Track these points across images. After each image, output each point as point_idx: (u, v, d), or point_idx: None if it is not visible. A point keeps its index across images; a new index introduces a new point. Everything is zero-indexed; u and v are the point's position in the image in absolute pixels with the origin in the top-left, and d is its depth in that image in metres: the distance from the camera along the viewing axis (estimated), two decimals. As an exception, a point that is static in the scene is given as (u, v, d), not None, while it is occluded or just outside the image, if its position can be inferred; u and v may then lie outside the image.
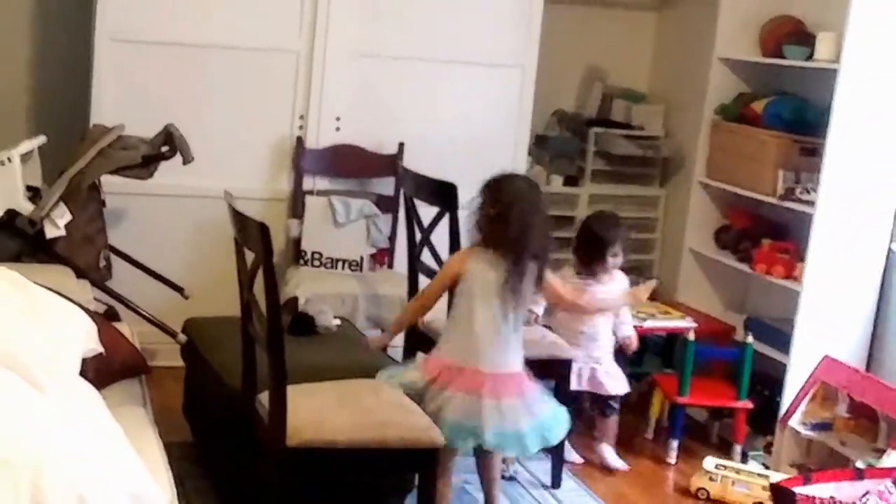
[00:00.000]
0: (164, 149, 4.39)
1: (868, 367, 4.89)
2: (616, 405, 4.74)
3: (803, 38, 5.16)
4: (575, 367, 4.55)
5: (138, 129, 4.42)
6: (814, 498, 3.83)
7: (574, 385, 4.57)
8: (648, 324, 5.13)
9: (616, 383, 4.69)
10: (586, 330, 4.64)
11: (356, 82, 5.36)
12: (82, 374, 2.97)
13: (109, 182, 4.49)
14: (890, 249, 4.86)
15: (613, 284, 4.70)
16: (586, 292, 4.57)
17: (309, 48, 5.26)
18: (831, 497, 3.84)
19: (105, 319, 3.80)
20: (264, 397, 3.43)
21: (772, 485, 4.08)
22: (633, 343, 4.81)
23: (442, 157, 5.25)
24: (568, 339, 4.58)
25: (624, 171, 6.34)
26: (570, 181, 6.24)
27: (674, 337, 5.38)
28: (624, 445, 4.93)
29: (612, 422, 4.74)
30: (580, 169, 6.27)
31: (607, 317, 4.68)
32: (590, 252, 4.71)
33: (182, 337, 4.23)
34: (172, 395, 4.40)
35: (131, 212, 5.01)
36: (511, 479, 4.48)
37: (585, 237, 4.77)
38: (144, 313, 4.40)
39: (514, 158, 5.71)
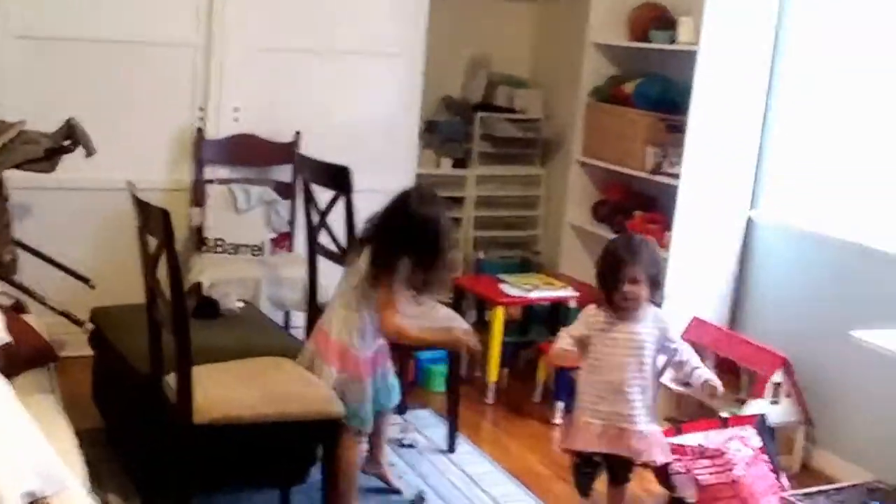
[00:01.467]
0: (67, 142, 4.30)
1: (731, 325, 5.03)
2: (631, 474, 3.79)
3: (667, 23, 5.25)
4: (595, 425, 3.63)
5: (40, 124, 4.35)
6: (684, 446, 3.93)
7: (588, 446, 3.66)
8: (533, 294, 5.20)
9: (654, 448, 3.64)
10: (613, 378, 3.61)
11: (253, 74, 5.32)
12: (-10, 364, 2.93)
13: (13, 177, 4.40)
14: (749, 217, 5.00)
15: (642, 325, 3.61)
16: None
17: (207, 42, 5.21)
18: (700, 445, 3.95)
19: (12, 311, 3.75)
20: (171, 378, 3.41)
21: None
22: (718, 389, 3.64)
23: (337, 144, 5.25)
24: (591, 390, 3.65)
25: (508, 152, 6.39)
26: (459, 163, 6.28)
27: (557, 306, 5.44)
28: (514, 409, 5.02)
29: (624, 492, 3.81)
30: (467, 151, 6.30)
31: (642, 364, 3.59)
32: (604, 280, 3.64)
33: (89, 325, 4.17)
34: (81, 383, 4.35)
35: (36, 206, 4.92)
36: (409, 446, 4.53)
37: (602, 261, 3.68)
38: (51, 304, 4.33)
39: (406, 143, 5.74)
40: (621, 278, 3.52)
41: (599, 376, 3.58)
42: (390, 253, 3.62)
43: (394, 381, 3.94)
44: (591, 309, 3.67)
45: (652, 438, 3.63)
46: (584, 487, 3.75)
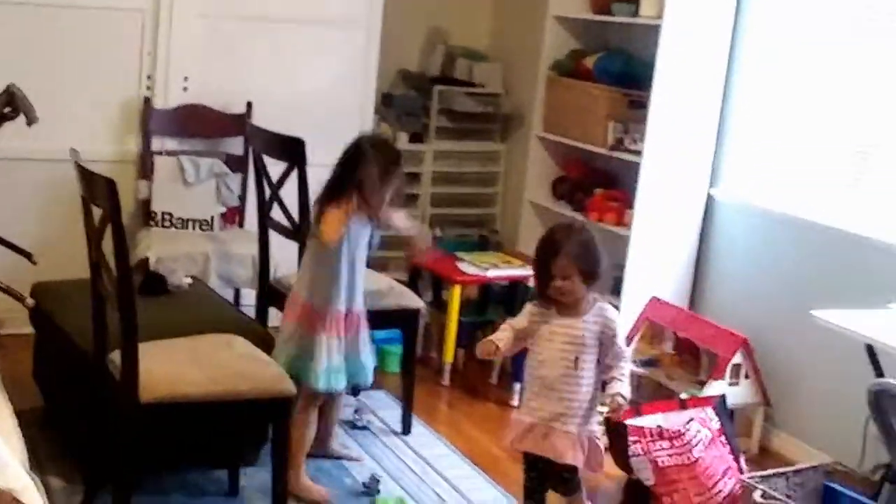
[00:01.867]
0: (7, 109, 4.21)
1: (691, 306, 5.08)
2: (574, 480, 3.55)
3: (629, -5, 5.28)
4: (525, 422, 3.48)
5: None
6: (642, 428, 3.97)
7: (514, 443, 3.54)
8: (491, 273, 5.21)
9: (570, 452, 3.44)
10: (545, 374, 3.45)
11: (203, 42, 5.29)
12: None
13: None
14: (709, 195, 5.05)
15: (582, 320, 3.41)
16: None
17: (155, 7, 5.17)
18: (658, 426, 3.98)
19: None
20: (116, 356, 3.39)
21: (606, 419, 4.19)
22: (621, 409, 3.40)
23: (290, 116, 5.20)
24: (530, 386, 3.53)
25: (466, 127, 6.39)
26: (416, 138, 6.27)
27: (515, 285, 5.44)
28: (470, 391, 5.05)
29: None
30: (425, 126, 6.30)
31: (578, 360, 3.41)
32: (536, 272, 3.51)
33: (30, 300, 4.13)
34: (22, 363, 4.32)
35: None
36: (363, 428, 4.54)
37: (535, 252, 3.55)
38: (-11, 279, 4.29)
39: (361, 116, 5.72)
40: (551, 272, 3.39)
41: (536, 371, 3.46)
42: (336, 188, 3.75)
43: (366, 360, 3.97)
44: (534, 301, 3.53)
45: (579, 440, 3.42)
46: (528, 494, 3.58)
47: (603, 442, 3.59)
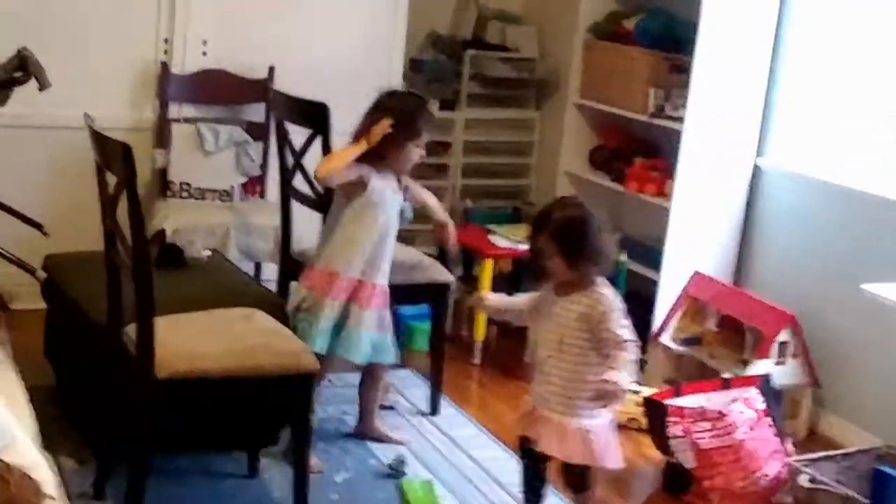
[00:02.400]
0: (18, 74, 4.25)
1: (735, 281, 5.04)
2: (581, 476, 3.47)
3: (672, -47, 5.25)
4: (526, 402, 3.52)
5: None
6: (683, 408, 3.96)
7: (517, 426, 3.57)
8: (524, 246, 5.14)
9: (552, 442, 3.38)
10: (538, 354, 3.45)
11: (223, 4, 5.29)
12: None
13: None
14: (755, 164, 5.00)
15: (572, 302, 3.34)
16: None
17: (173, -35, 5.19)
18: (700, 407, 3.97)
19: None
20: (131, 329, 3.39)
21: (645, 398, 4.22)
22: (614, 393, 3.24)
23: (314, 81, 5.15)
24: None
25: (499, 93, 6.35)
26: (446, 105, 6.22)
27: (551, 260, 5.46)
28: (502, 370, 5.05)
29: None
30: (456, 93, 6.26)
31: (562, 344, 3.35)
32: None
33: (41, 273, 4.16)
34: (33, 339, 4.33)
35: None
36: (390, 408, 4.54)
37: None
38: (1, 250, 4.31)
39: (389, 82, 5.67)
40: (532, 249, 3.41)
41: (534, 351, 3.47)
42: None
43: (383, 338, 3.97)
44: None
45: (567, 432, 3.33)
46: (525, 486, 3.52)
47: (605, 439, 3.37)
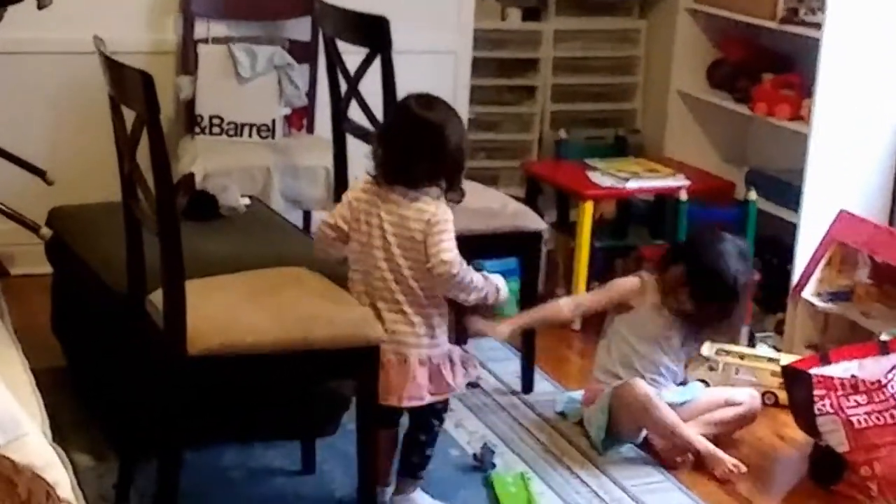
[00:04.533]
0: (13, -11, 4.31)
1: (892, 221, 4.98)
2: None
3: None
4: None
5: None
6: (832, 378, 3.92)
7: None
8: (631, 185, 5.20)
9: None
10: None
11: None
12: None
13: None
14: (912, 79, 4.91)
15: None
16: None
17: None
18: (853, 376, 3.94)
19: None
20: (156, 297, 3.40)
21: (783, 367, 4.22)
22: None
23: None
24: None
25: (595, -1, 6.36)
26: (531, 14, 6.25)
27: (663, 200, 5.45)
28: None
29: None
30: (542, -1, 6.25)
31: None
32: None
33: (46, 231, 4.19)
34: (37, 310, 4.39)
35: (-25, 74, 4.97)
36: (474, 385, 4.50)
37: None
38: (-2, 204, 4.36)
39: (457, -12, 5.69)
40: None
41: None
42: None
43: None
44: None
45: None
46: None
47: None
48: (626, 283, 4.28)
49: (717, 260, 4.08)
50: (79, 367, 4.25)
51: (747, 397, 4.26)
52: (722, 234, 4.24)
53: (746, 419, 4.25)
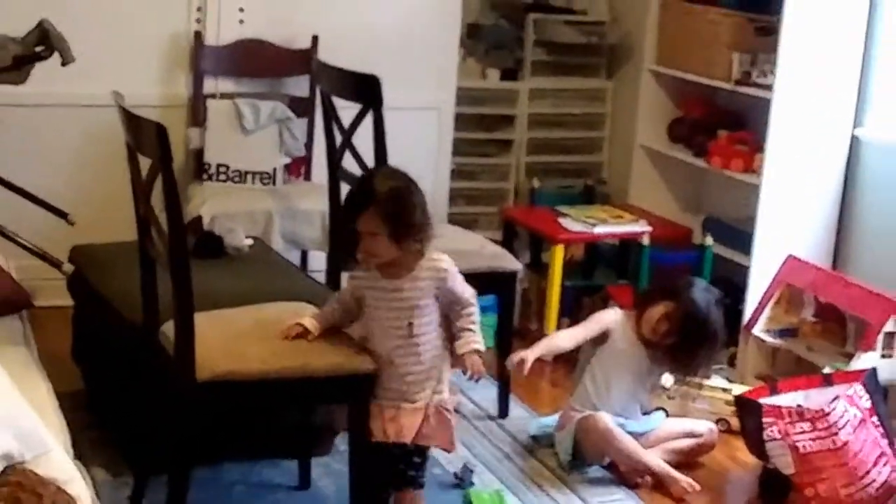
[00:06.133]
0: (39, 48, 4.28)
1: (834, 265, 4.99)
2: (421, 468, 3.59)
3: None
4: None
5: (6, 26, 4.34)
6: (780, 408, 3.92)
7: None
8: (599, 230, 5.19)
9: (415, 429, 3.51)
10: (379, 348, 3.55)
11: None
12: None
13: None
14: (854, 136, 4.93)
15: (412, 283, 3.44)
16: None
17: (203, -74, 5.22)
18: (798, 406, 3.94)
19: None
20: (168, 328, 3.39)
21: (736, 397, 4.21)
22: (476, 371, 3.47)
23: (362, 52, 5.20)
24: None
25: (567, 61, 6.35)
26: (509, 74, 6.25)
27: (627, 244, 5.44)
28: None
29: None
30: (518, 61, 6.27)
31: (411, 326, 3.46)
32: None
33: (68, 266, 4.17)
34: (59, 339, 4.35)
35: (2, 124, 4.95)
36: (455, 410, 4.50)
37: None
38: (23, 241, 4.33)
39: (445, 50, 5.72)
40: (355, 228, 3.36)
41: (370, 346, 3.48)
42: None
43: None
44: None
45: (425, 413, 3.45)
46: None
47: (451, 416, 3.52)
48: (607, 315, 4.32)
49: (698, 302, 4.13)
50: (97, 391, 4.24)
51: (706, 430, 4.28)
52: (700, 281, 4.31)
53: (704, 448, 4.27)
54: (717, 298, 4.25)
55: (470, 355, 3.42)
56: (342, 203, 3.70)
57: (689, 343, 4.15)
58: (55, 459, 2.55)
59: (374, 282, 3.43)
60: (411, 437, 3.44)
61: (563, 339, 4.38)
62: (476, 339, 3.43)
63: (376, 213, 3.30)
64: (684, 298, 4.14)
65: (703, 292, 4.19)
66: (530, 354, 4.09)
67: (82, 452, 3.24)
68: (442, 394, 3.48)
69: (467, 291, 3.45)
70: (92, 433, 3.94)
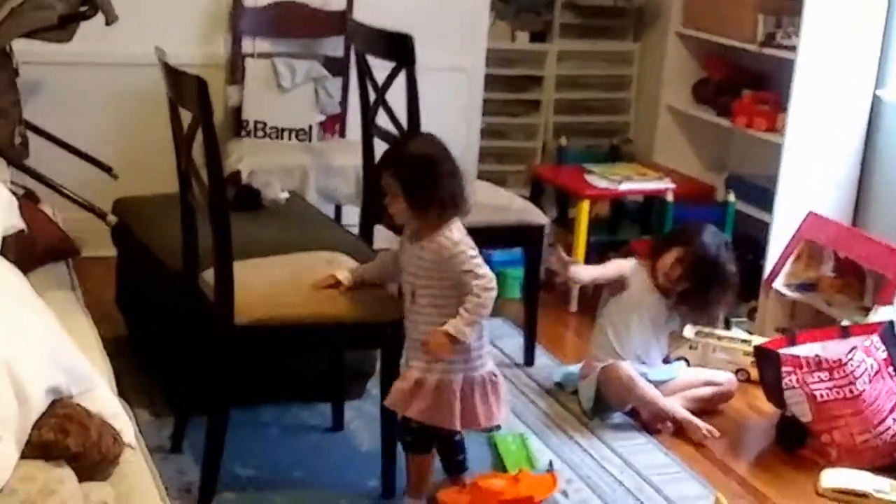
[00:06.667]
0: (84, 7, 4.29)
1: (854, 221, 4.98)
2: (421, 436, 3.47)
3: None
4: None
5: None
6: (798, 357, 3.93)
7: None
8: (624, 186, 5.19)
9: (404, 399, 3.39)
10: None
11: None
12: (2, 254, 2.96)
13: (23, 49, 4.43)
14: (875, 96, 4.91)
15: (420, 251, 3.35)
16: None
17: None
18: (816, 356, 3.93)
19: (25, 199, 3.78)
20: (208, 275, 3.42)
21: (756, 347, 4.21)
22: (437, 348, 3.28)
23: (395, 13, 5.14)
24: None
25: (595, 24, 6.34)
26: (537, 37, 6.23)
27: (651, 201, 5.45)
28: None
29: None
30: (547, 23, 6.24)
31: (420, 297, 3.37)
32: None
33: (112, 217, 4.21)
34: (103, 287, 4.40)
35: (49, 82, 4.99)
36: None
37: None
38: (69, 193, 4.36)
39: (475, 12, 5.71)
40: (381, 188, 3.33)
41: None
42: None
43: None
44: None
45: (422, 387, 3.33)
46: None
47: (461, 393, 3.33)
48: (625, 263, 4.33)
49: (708, 246, 4.14)
50: (140, 335, 4.28)
51: (725, 379, 4.31)
52: (711, 226, 4.29)
53: (724, 396, 4.28)
54: (727, 242, 4.26)
55: (436, 333, 3.24)
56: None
57: (702, 286, 4.16)
58: (100, 396, 2.57)
59: (404, 243, 3.41)
60: (396, 405, 3.37)
61: (584, 273, 4.39)
62: (457, 323, 3.22)
63: (397, 174, 3.27)
64: (695, 243, 4.15)
65: (713, 236, 4.20)
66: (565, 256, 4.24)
67: (125, 395, 3.28)
68: (448, 374, 3.31)
69: (474, 279, 3.24)
70: (135, 376, 3.98)
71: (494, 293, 3.27)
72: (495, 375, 3.40)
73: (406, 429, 3.43)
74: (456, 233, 3.28)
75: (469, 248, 3.27)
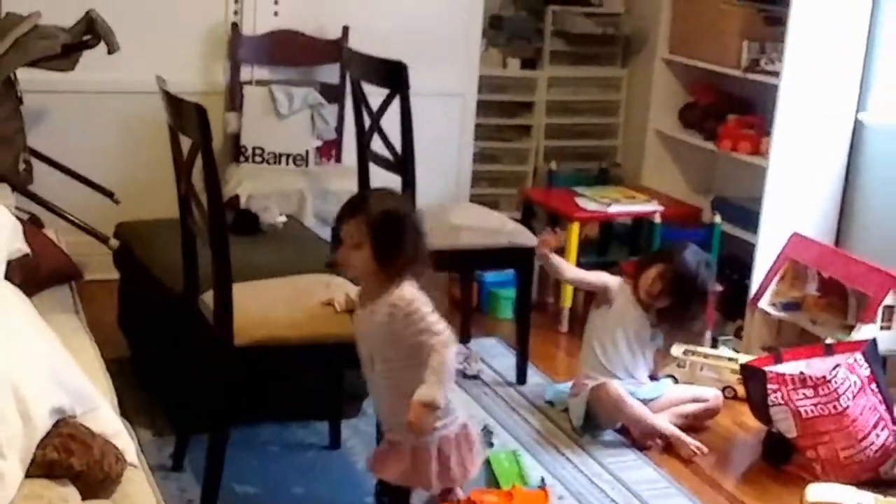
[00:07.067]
0: (87, 37, 4.31)
1: (837, 242, 5.00)
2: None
3: None
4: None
5: (56, 17, 4.39)
6: (784, 375, 3.93)
7: None
8: (613, 209, 5.20)
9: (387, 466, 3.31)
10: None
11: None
12: (7, 278, 2.98)
13: (27, 77, 4.45)
14: (857, 119, 4.93)
15: (371, 315, 3.20)
16: None
17: (242, -77, 5.23)
18: (801, 373, 3.94)
19: (30, 224, 3.80)
20: (208, 297, 3.43)
21: (742, 365, 4.21)
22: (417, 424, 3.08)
23: (390, 41, 5.16)
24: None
25: (584, 51, 6.34)
26: (528, 64, 6.24)
27: (640, 222, 5.45)
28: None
29: None
30: (538, 50, 6.26)
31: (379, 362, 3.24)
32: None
33: (114, 241, 4.22)
34: (106, 309, 4.42)
35: (52, 110, 5.00)
36: (474, 377, 4.58)
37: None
38: (72, 218, 4.38)
39: (468, 40, 5.73)
40: (340, 236, 3.17)
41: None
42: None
43: None
44: None
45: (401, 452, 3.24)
46: None
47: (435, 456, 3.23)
48: (608, 276, 4.34)
49: (689, 263, 4.16)
50: (141, 356, 4.30)
51: (712, 396, 4.32)
52: (692, 245, 4.30)
53: (710, 413, 4.30)
54: (709, 260, 4.29)
55: (414, 408, 3.03)
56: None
57: (682, 302, 4.18)
58: (103, 415, 2.58)
59: (356, 313, 3.29)
60: (374, 467, 3.33)
61: (568, 268, 4.41)
62: (427, 390, 3.02)
63: (370, 224, 3.09)
64: (676, 260, 4.17)
65: (693, 254, 4.21)
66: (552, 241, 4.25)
67: (127, 414, 3.29)
68: (415, 439, 3.18)
69: (433, 337, 3.06)
70: (137, 396, 3.99)
71: (455, 348, 3.12)
72: (466, 426, 3.29)
73: (384, 487, 3.44)
74: (408, 291, 3.11)
75: (423, 304, 3.10)
